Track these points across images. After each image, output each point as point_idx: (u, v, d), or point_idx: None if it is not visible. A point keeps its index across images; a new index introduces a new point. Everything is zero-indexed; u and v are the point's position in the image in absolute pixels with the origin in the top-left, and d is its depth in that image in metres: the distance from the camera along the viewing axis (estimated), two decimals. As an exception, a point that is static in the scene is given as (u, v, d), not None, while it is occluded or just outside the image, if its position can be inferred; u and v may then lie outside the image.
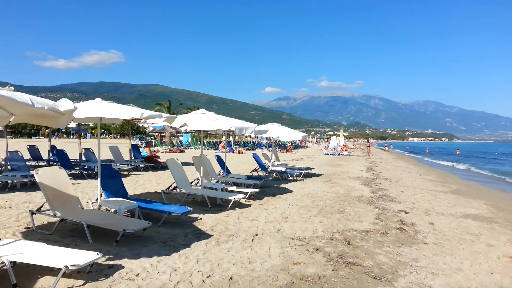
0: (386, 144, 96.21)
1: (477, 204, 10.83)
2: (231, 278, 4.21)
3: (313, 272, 4.55)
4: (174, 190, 8.77)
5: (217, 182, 10.57)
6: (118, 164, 14.56)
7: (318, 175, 16.04)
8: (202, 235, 5.88)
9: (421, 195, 11.74)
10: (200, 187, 9.38)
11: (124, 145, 23.60)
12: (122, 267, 4.32)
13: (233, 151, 32.45)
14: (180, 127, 8.74)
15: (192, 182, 9.93)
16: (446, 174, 22.94)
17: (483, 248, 6.13)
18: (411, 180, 16.54)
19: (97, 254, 3.92)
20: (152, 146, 17.28)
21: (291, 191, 10.97)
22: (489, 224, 8.10)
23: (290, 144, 44.87)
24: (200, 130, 9.92)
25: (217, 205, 8.38)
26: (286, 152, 36.25)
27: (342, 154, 36.00)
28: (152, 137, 51.92)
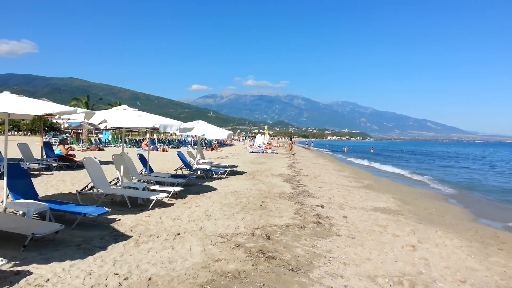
0: (307, 143, 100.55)
1: (386, 198, 11.84)
2: (149, 279, 4.14)
3: (234, 268, 4.65)
4: (91, 191, 8.32)
5: (138, 181, 10.24)
6: (27, 163, 13.39)
7: (242, 172, 16.29)
8: (120, 237, 5.68)
9: (337, 190, 12.52)
10: (120, 187, 9.01)
11: (35, 143, 21.75)
12: (30, 273, 4.02)
13: (157, 149, 31.57)
14: (99, 123, 8.32)
15: (111, 181, 9.51)
16: (360, 170, 24.70)
17: (389, 239, 6.74)
18: (329, 176, 17.54)
19: (1, 260, 3.61)
20: (67, 144, 16.05)
21: (215, 189, 11.02)
22: (395, 216, 8.91)
23: (215, 142, 44.87)
24: (122, 127, 9.53)
25: (138, 205, 8.13)
26: (211, 150, 36.19)
27: (266, 152, 36.89)
28: (67, 134, 48.44)
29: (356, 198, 11.28)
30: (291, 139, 59.47)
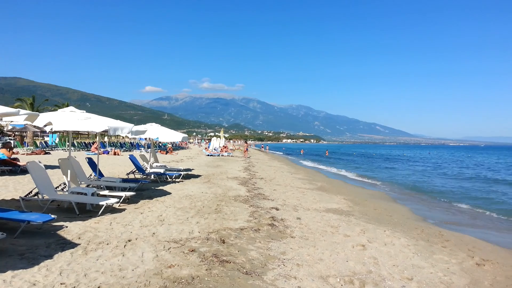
0: (262, 145, 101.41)
1: (338, 199, 12.19)
2: (98, 288, 3.99)
3: (187, 273, 4.58)
4: (36, 197, 7.88)
5: (87, 186, 9.83)
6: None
7: (197, 176, 16.12)
8: (67, 245, 5.41)
9: (291, 193, 12.73)
10: (67, 192, 8.60)
11: (-28, 146, 20.24)
12: (-35, 288, 3.74)
13: (108, 153, 30.46)
14: (44, 126, 7.90)
15: (58, 187, 9.06)
16: (314, 172, 25.29)
17: (341, 239, 6.94)
18: (283, 179, 17.79)
19: None
20: (11, 148, 15.08)
21: (169, 193, 10.82)
22: (346, 217, 9.19)
23: (170, 145, 44.06)
24: (68, 130, 9.11)
25: (87, 212, 7.80)
26: (166, 154, 35.50)
27: (222, 155, 36.78)
28: (10, 137, 45.50)
29: (310, 199, 11.53)
30: (246, 142, 59.66)
